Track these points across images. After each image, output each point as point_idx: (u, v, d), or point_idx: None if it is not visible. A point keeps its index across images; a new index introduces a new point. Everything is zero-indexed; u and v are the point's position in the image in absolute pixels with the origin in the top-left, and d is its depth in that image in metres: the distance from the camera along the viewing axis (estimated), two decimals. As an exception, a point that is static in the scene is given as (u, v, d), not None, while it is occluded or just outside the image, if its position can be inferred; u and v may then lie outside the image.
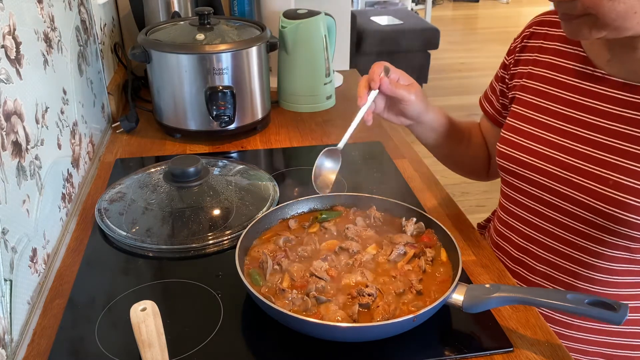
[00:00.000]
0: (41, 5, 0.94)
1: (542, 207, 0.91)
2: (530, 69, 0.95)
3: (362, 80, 0.91)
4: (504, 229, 1.00)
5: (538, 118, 0.91)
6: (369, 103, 0.90)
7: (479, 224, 1.21)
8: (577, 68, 0.88)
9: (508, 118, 0.98)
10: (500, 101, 1.04)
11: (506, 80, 1.01)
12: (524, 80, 0.96)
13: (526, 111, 0.94)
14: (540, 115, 0.91)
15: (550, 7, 0.87)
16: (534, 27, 0.97)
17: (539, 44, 0.95)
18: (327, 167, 0.94)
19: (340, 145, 0.92)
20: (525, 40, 0.98)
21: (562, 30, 0.89)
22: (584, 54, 0.87)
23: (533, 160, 0.90)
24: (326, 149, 0.93)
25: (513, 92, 0.98)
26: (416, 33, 4.22)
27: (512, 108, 0.97)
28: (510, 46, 1.02)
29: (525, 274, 0.95)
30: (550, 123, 0.90)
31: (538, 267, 0.94)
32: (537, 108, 0.92)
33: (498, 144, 0.97)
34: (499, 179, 1.04)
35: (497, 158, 0.97)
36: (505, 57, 1.02)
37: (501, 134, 0.97)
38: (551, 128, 0.89)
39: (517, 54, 0.99)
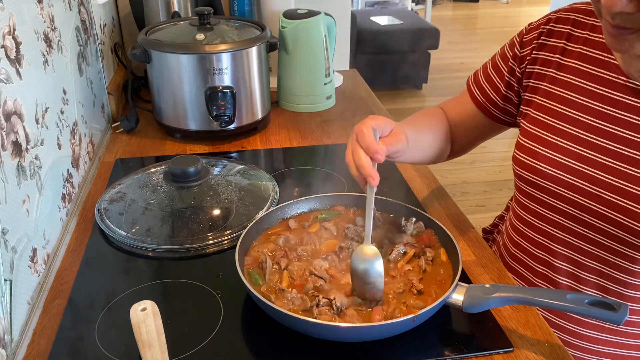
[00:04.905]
0: (41, 5, 0.94)
1: (565, 220, 0.87)
2: (552, 72, 0.89)
3: (362, 156, 0.75)
4: (521, 239, 0.96)
5: (563, 128, 0.86)
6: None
7: (484, 229, 1.18)
8: (607, 76, 0.82)
9: (526, 124, 0.92)
10: (504, 93, 0.96)
11: (516, 73, 0.94)
12: (545, 84, 0.89)
13: (549, 119, 0.88)
14: (566, 124, 0.86)
15: (550, 7, 0.84)
16: (552, 25, 0.90)
17: (561, 44, 0.88)
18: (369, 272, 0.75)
19: (368, 239, 0.77)
20: (543, 38, 0.90)
21: (587, 31, 0.86)
22: (615, 62, 0.81)
23: (556, 172, 0.85)
24: (357, 250, 0.76)
25: (529, 95, 0.92)
26: (416, 33, 4.23)
27: (529, 112, 0.92)
28: (524, 37, 0.93)
29: (548, 287, 0.93)
30: (576, 134, 0.84)
31: (563, 281, 0.91)
32: (561, 117, 0.86)
33: (516, 151, 0.92)
34: (508, 181, 1.00)
35: (514, 166, 0.92)
36: (517, 49, 0.94)
37: (519, 140, 0.92)
38: (578, 139, 0.84)
39: (535, 51, 0.91)
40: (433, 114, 1.06)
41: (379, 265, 0.75)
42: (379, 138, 0.79)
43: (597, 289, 0.88)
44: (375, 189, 0.76)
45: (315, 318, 0.71)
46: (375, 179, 0.75)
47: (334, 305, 0.73)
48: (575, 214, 0.86)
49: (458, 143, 1.06)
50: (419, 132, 0.97)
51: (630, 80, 0.80)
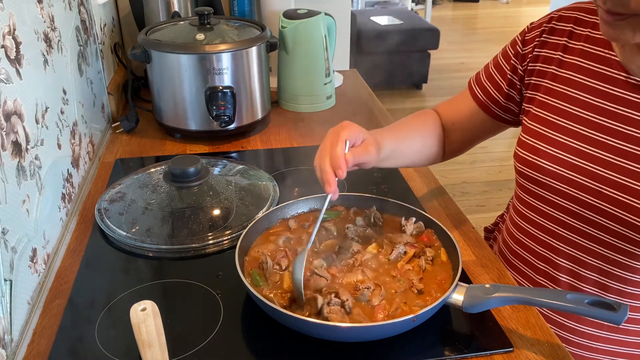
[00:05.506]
0: (41, 5, 0.94)
1: (566, 217, 0.88)
2: (554, 69, 0.89)
3: (326, 165, 0.78)
4: (523, 236, 0.96)
5: (564, 124, 0.86)
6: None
7: (486, 228, 1.18)
8: (608, 73, 0.83)
9: (528, 120, 0.92)
10: (506, 91, 0.96)
11: (518, 71, 0.94)
12: (547, 81, 0.90)
13: (550, 116, 0.88)
14: (567, 121, 0.86)
15: (550, 7, 0.84)
16: (554, 23, 0.90)
17: (562, 41, 0.89)
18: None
19: (309, 245, 0.80)
20: (545, 36, 0.91)
21: (589, 29, 0.86)
22: (616, 58, 0.82)
23: (558, 169, 0.86)
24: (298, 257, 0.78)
25: (531, 92, 0.92)
26: (416, 33, 4.23)
27: (530, 110, 0.92)
28: (526, 35, 0.94)
29: (548, 284, 0.93)
30: (577, 130, 0.85)
31: (563, 279, 0.91)
32: (563, 113, 0.87)
33: (517, 147, 0.92)
34: (511, 181, 0.99)
35: (515, 163, 0.93)
36: (519, 47, 0.94)
37: (521, 137, 0.92)
38: (579, 135, 0.84)
39: (536, 49, 0.91)
40: (424, 116, 1.06)
41: (298, 268, 0.75)
42: (350, 147, 0.82)
43: (597, 287, 0.88)
44: (330, 197, 0.79)
45: (326, 318, 0.71)
46: (331, 186, 0.78)
47: (346, 306, 0.73)
48: (576, 210, 0.86)
49: (454, 144, 1.06)
50: (401, 139, 0.98)
51: (630, 76, 0.81)
